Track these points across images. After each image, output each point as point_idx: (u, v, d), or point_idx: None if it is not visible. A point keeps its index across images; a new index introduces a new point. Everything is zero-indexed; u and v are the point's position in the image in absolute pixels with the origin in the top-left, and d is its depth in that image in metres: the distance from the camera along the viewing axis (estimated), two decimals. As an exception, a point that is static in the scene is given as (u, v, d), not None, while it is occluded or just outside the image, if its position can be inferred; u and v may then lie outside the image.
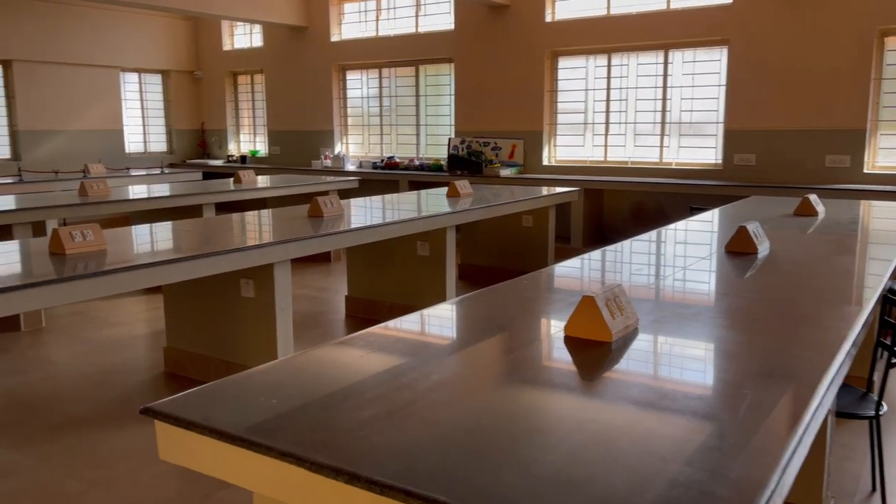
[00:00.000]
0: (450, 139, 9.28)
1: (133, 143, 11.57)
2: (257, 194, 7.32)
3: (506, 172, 8.58)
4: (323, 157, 10.46)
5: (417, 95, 9.92)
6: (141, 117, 11.71)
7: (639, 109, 8.15)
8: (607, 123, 8.37)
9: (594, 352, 1.82)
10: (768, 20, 7.21)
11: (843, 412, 2.40)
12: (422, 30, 9.74)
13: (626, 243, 3.50)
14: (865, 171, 6.99)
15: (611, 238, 8.40)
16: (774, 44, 7.20)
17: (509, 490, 1.09)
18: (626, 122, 8.25)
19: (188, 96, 12.17)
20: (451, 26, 9.34)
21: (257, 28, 11.44)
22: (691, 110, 7.86)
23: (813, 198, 4.63)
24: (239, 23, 11.70)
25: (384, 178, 9.55)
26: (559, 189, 6.69)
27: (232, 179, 7.54)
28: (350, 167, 10.25)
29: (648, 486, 1.09)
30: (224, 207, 9.94)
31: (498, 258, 6.77)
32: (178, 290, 4.24)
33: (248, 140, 12.09)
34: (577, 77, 8.50)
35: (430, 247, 5.20)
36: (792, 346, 1.83)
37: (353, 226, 4.37)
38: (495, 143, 8.96)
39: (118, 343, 4.92)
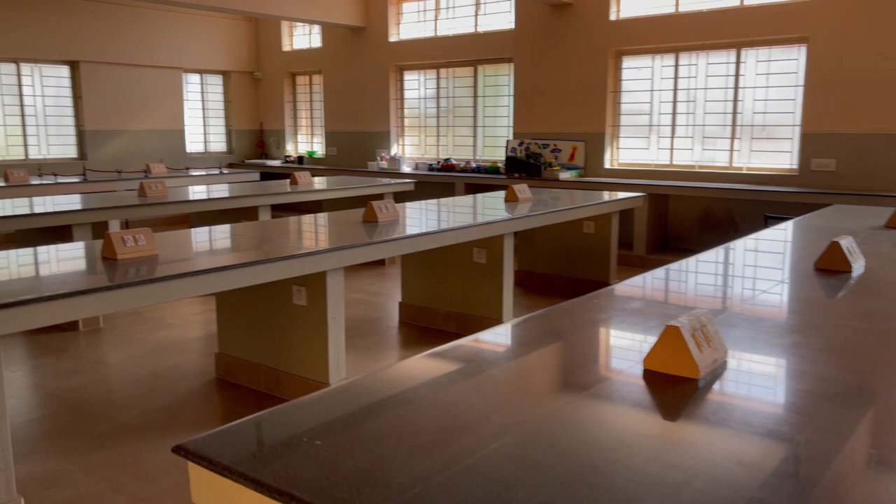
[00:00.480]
0: (508, 141, 9.07)
1: (193, 143, 11.73)
2: (313, 196, 7.26)
3: (565, 176, 8.31)
4: (379, 158, 10.38)
5: (475, 96, 9.73)
6: (202, 117, 11.86)
7: (707, 111, 7.77)
8: (673, 125, 8.02)
9: (678, 390, 1.60)
10: (851, 16, 6.76)
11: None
12: (481, 29, 9.55)
13: (699, 257, 3.23)
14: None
15: (675, 246, 8.05)
16: (858, 41, 6.74)
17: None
18: (693, 125, 7.89)
19: (247, 97, 12.27)
20: (511, 25, 9.13)
21: (316, 29, 11.45)
22: (765, 112, 7.45)
23: (906, 208, 4.26)
24: (298, 23, 11.74)
25: (440, 180, 9.39)
26: (623, 194, 6.40)
27: (288, 181, 7.50)
28: (406, 169, 10.14)
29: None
30: (280, 209, 9.97)
31: (556, 265, 6.53)
32: (231, 296, 4.16)
33: (306, 141, 12.12)
34: (642, 77, 8.18)
35: (487, 254, 5.01)
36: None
37: (409, 232, 4.22)
38: (555, 144, 8.70)
39: (171, 346, 4.89)
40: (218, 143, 12.13)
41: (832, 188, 6.90)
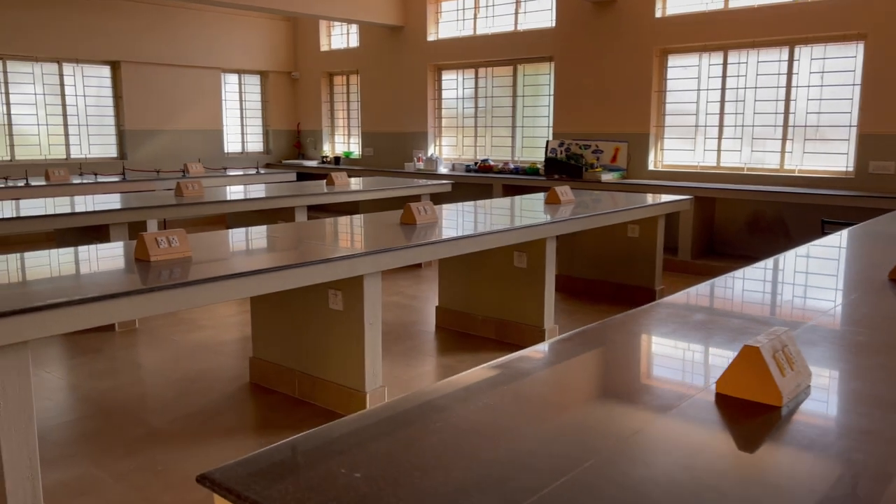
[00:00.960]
0: (547, 141, 8.86)
1: (231, 143, 11.76)
2: (349, 197, 7.17)
3: (607, 177, 8.09)
4: (416, 159, 10.26)
5: (514, 96, 9.55)
6: (239, 117, 11.88)
7: (757, 111, 7.48)
8: (721, 126, 7.73)
9: (759, 419, 1.42)
10: (914, 11, 6.42)
11: None
12: (521, 28, 9.36)
13: (760, 264, 3.02)
14: None
15: (722, 251, 7.76)
16: (921, 38, 6.40)
17: None
18: (742, 125, 7.59)
19: (285, 97, 12.27)
20: (552, 24, 8.93)
21: (354, 28, 11.38)
22: (818, 112, 7.13)
23: (981, 214, 3.97)
24: (336, 23, 11.69)
25: (477, 181, 9.23)
26: (669, 197, 6.17)
27: (325, 181, 7.42)
28: (443, 170, 10.00)
29: None
30: (316, 209, 9.91)
31: (598, 270, 6.32)
32: (265, 299, 4.05)
33: (343, 141, 12.07)
34: (688, 76, 7.91)
35: (527, 258, 4.84)
36: None
37: (448, 235, 4.07)
38: (596, 145, 8.47)
39: (205, 348, 4.81)
40: (255, 144, 12.14)
41: (892, 192, 6.57)
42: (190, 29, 10.69)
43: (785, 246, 7.29)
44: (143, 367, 4.47)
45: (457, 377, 1.66)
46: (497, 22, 9.63)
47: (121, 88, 10.11)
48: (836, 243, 3.65)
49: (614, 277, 6.20)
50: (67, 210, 5.24)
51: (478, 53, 9.73)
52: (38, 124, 9.53)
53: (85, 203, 5.68)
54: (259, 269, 3.00)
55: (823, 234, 5.53)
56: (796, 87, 7.22)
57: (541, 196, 6.21)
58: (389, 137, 10.93)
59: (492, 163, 9.53)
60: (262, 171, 9.71)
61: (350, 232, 4.33)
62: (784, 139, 7.33)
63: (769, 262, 3.11)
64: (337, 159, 11.52)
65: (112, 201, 5.86)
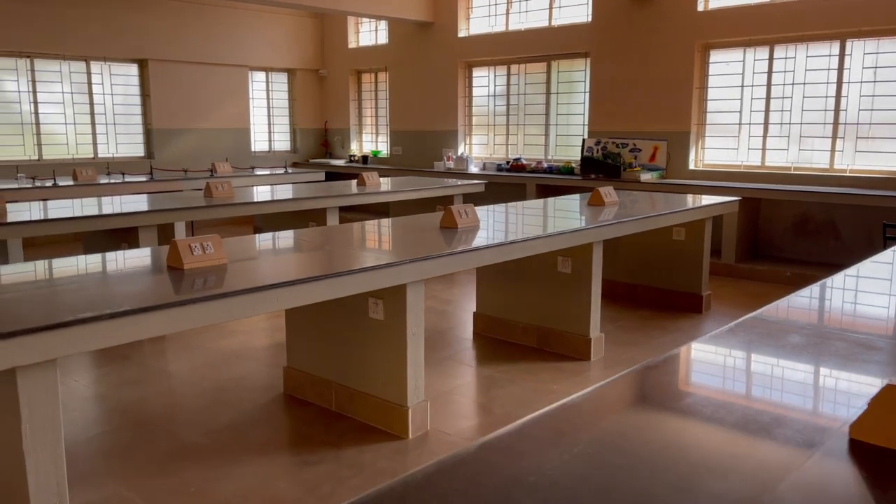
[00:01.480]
0: (583, 140, 8.60)
1: (258, 141, 11.63)
2: (382, 198, 6.98)
3: (646, 177, 7.81)
4: (445, 158, 10.05)
5: (548, 93, 9.29)
6: (266, 116, 11.75)
7: (806, 108, 7.15)
8: (766, 124, 7.42)
9: (913, 476, 1.18)
10: (977, 2, 6.07)
11: None
12: (555, 23, 9.10)
13: (849, 272, 2.76)
14: None
15: (767, 254, 7.45)
16: (985, 30, 6.05)
17: None
18: (789, 123, 7.27)
19: (312, 95, 12.12)
20: (588, 18, 8.66)
21: (382, 25, 11.19)
22: (871, 109, 6.79)
23: None
24: (364, 20, 11.51)
25: (509, 181, 9.00)
26: (713, 198, 5.90)
27: (356, 181, 7.23)
28: (473, 169, 9.78)
29: None
30: (346, 210, 9.73)
31: (640, 275, 6.06)
32: (300, 306, 3.86)
33: (370, 140, 11.89)
34: (731, 72, 7.60)
35: (572, 263, 4.60)
36: None
37: (494, 240, 3.85)
38: (634, 144, 8.20)
39: (236, 355, 4.64)
40: (282, 143, 12.01)
41: (951, 193, 6.23)
42: (217, 27, 10.57)
43: (836, 250, 6.98)
44: (172, 375, 4.30)
45: (539, 415, 1.43)
46: (530, 17, 9.38)
47: (148, 87, 10.02)
48: (917, 251, 3.37)
49: (658, 282, 5.94)
50: (95, 212, 5.10)
51: (510, 50, 9.49)
52: (66, 123, 9.46)
53: (113, 204, 5.54)
54: (300, 279, 2.81)
55: (885, 238, 5.22)
56: (848, 83, 6.89)
57: (577, 197, 5.97)
58: (418, 136, 10.73)
59: (524, 162, 9.29)
60: (289, 171, 9.56)
61: (389, 237, 4.13)
62: (834, 137, 7.00)
63: (852, 269, 2.85)
64: (365, 158, 11.34)
65: (140, 202, 5.72)
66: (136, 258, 3.43)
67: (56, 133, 9.40)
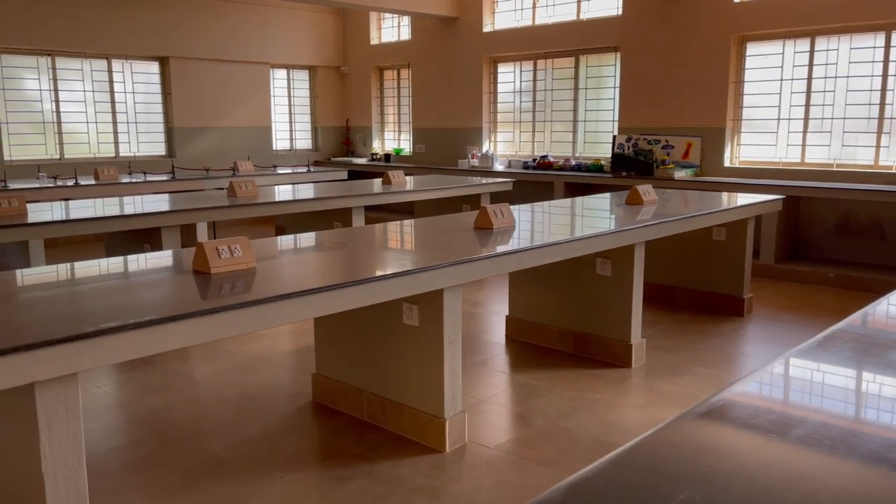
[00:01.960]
0: (614, 137, 8.35)
1: (280, 140, 11.50)
2: (408, 197, 6.79)
3: (680, 174, 7.56)
4: (470, 156, 9.84)
5: (576, 88, 9.05)
6: (288, 114, 11.62)
7: (849, 103, 6.86)
8: (806, 119, 7.14)
9: None
10: None
11: None
12: (584, 16, 8.87)
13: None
14: None
15: (807, 254, 7.17)
16: None
17: None
18: (831, 118, 6.99)
19: (334, 92, 11.97)
20: (618, 11, 8.41)
21: (405, 21, 11.01)
22: (919, 103, 6.50)
23: None
24: (387, 15, 11.33)
25: (536, 179, 8.78)
26: (751, 196, 5.65)
27: (381, 180, 7.05)
28: (498, 167, 9.57)
29: None
30: (371, 209, 9.55)
31: (678, 276, 5.82)
32: (330, 311, 3.69)
33: (393, 138, 11.71)
34: (769, 66, 7.32)
35: (612, 265, 4.39)
36: None
37: (533, 242, 3.65)
38: (666, 140, 7.94)
39: (263, 361, 4.48)
40: (304, 141, 11.87)
41: None
42: (238, 24, 10.44)
43: (881, 250, 6.69)
44: (197, 381, 4.15)
45: (617, 454, 1.22)
46: (558, 11, 9.15)
47: (169, 85, 9.91)
48: None
49: (697, 284, 5.70)
50: (117, 212, 4.97)
51: (537, 45, 9.26)
52: (88, 122, 9.38)
53: (135, 204, 5.41)
54: (334, 285, 2.63)
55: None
56: (893, 77, 6.59)
57: (607, 196, 5.74)
58: (442, 133, 10.53)
59: (551, 159, 9.06)
60: (312, 169, 9.41)
61: (422, 238, 3.94)
62: (879, 133, 6.71)
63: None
64: (387, 156, 11.17)
65: (162, 202, 5.58)
66: (160, 260, 3.27)
67: (78, 132, 9.32)
